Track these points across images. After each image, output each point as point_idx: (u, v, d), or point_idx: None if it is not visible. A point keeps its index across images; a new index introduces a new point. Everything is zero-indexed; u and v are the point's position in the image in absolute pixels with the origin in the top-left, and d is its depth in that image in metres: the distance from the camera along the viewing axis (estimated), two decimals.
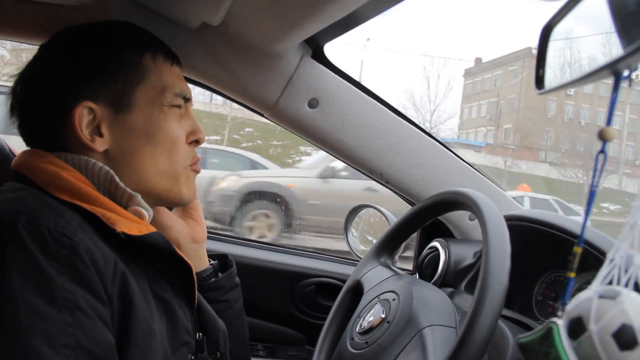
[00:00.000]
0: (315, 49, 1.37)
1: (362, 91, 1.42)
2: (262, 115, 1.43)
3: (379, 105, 1.44)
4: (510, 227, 1.32)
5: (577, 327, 0.54)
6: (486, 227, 0.93)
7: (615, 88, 0.53)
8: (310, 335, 1.20)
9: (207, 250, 1.18)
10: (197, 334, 1.00)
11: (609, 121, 0.54)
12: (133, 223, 0.87)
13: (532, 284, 1.33)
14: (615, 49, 0.54)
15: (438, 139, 1.52)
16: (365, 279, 1.20)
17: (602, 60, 0.54)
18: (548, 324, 0.57)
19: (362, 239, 1.84)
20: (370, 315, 1.08)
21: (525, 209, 1.53)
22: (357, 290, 1.21)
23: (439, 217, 1.63)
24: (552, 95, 38.68)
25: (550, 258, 1.29)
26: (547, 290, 1.32)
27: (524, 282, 1.34)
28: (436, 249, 1.51)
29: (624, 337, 0.52)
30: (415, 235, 1.78)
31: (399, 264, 1.81)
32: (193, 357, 0.96)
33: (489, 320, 0.82)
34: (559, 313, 0.57)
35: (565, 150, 34.04)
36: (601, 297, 0.54)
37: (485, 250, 0.89)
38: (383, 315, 1.05)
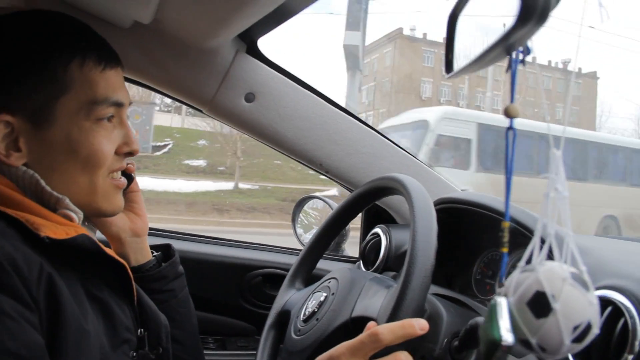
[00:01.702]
0: (249, 44, 1.39)
1: (299, 84, 1.45)
2: (200, 111, 1.45)
3: (316, 97, 1.47)
4: (446, 210, 1.38)
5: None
6: (413, 208, 0.95)
7: (510, 66, 0.55)
8: (260, 325, 1.22)
9: (152, 245, 1.18)
10: (139, 331, 0.99)
11: (512, 98, 0.56)
12: (60, 226, 0.85)
13: (472, 264, 1.38)
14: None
15: (376, 128, 1.56)
16: (288, 305, 1.18)
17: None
18: (491, 303, 0.58)
19: (308, 229, 1.88)
20: (311, 302, 1.09)
21: (461, 192, 1.58)
22: (281, 321, 1.18)
23: (381, 204, 1.68)
24: (427, 76, 38.45)
25: (486, 238, 1.34)
26: (485, 269, 1.37)
27: (463, 263, 1.40)
28: (378, 235, 1.56)
29: (537, 305, 0.52)
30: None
31: (346, 252, 1.87)
32: (135, 354, 0.96)
33: (416, 295, 0.84)
34: (497, 290, 0.57)
35: None
36: (523, 271, 0.55)
37: (412, 228, 0.91)
38: (325, 294, 1.07)
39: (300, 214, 1.95)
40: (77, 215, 0.92)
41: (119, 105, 0.95)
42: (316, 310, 1.06)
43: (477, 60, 0.61)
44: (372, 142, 1.55)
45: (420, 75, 39.13)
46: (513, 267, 0.57)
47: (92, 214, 0.99)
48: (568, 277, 0.52)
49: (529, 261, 0.55)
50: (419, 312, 0.85)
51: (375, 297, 0.97)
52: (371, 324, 0.83)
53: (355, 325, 0.95)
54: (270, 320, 1.19)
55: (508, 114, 0.55)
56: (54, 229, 0.83)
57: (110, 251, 0.93)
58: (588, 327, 0.52)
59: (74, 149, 0.90)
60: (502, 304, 0.55)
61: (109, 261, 0.93)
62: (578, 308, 0.51)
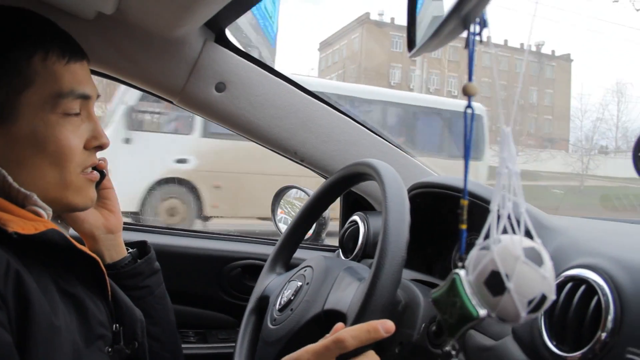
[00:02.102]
0: (217, 33, 1.37)
1: (270, 72, 1.44)
2: (171, 102, 1.43)
3: (287, 85, 1.46)
4: (422, 195, 1.37)
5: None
6: (385, 192, 0.94)
7: (467, 44, 0.55)
8: (240, 317, 1.21)
9: (128, 242, 1.17)
10: (114, 326, 0.98)
11: (470, 77, 0.56)
12: (29, 222, 0.84)
13: (450, 249, 1.38)
14: None
15: (349, 114, 1.55)
16: (267, 291, 1.19)
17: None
18: (451, 275, 0.61)
19: (287, 219, 1.87)
20: (287, 291, 1.09)
21: (438, 176, 1.57)
22: (261, 306, 1.19)
23: (358, 192, 1.67)
24: (396, 61, 38.18)
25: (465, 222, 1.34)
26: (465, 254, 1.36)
27: (442, 248, 1.39)
28: (356, 223, 1.55)
29: (493, 284, 0.55)
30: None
31: (326, 241, 1.86)
32: (110, 349, 0.95)
33: (385, 292, 0.84)
34: (459, 264, 0.61)
35: None
36: (482, 248, 0.57)
37: (384, 219, 0.90)
38: (300, 283, 1.07)
39: (279, 204, 1.93)
40: (45, 212, 0.90)
41: (85, 97, 0.94)
42: (292, 299, 1.05)
43: (435, 35, 0.61)
44: (346, 129, 1.54)
45: (389, 61, 38.81)
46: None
47: (63, 209, 0.98)
48: (521, 256, 0.54)
49: (487, 237, 0.57)
50: (388, 309, 0.85)
51: (347, 290, 0.97)
52: (338, 326, 0.83)
53: (328, 317, 0.96)
54: (250, 305, 1.20)
55: (466, 92, 0.55)
56: (22, 224, 0.82)
57: (81, 246, 0.92)
58: (543, 299, 0.55)
59: (41, 144, 0.89)
60: (464, 279, 0.59)
61: (81, 256, 0.92)
62: (531, 284, 0.54)
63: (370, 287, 0.83)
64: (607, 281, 0.82)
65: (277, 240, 1.29)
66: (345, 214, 1.76)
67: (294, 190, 1.95)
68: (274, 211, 1.93)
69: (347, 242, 1.56)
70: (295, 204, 1.96)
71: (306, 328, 0.98)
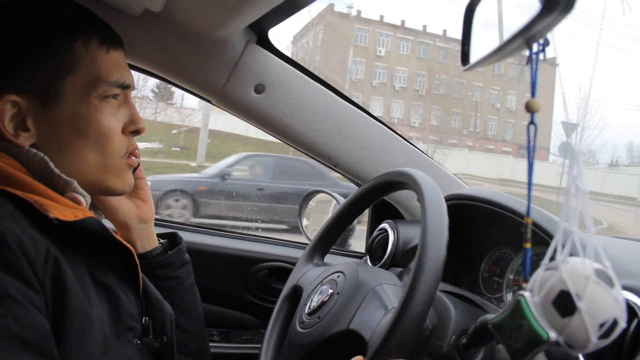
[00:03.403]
0: (260, 34, 1.38)
1: (309, 76, 1.44)
2: (209, 101, 1.44)
3: (326, 90, 1.46)
4: (455, 206, 1.37)
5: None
6: (424, 203, 0.94)
7: (530, 59, 0.54)
8: (264, 319, 1.22)
9: (158, 234, 1.18)
10: (143, 319, 0.99)
11: (532, 93, 0.55)
12: (68, 209, 0.85)
13: (479, 262, 1.37)
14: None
15: (384, 121, 1.55)
16: (302, 282, 1.20)
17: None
18: (516, 297, 0.58)
19: (314, 224, 1.87)
20: (317, 296, 1.09)
21: (470, 188, 1.57)
22: (295, 295, 1.21)
23: (389, 200, 1.67)
24: (360, 57, 35.99)
25: (495, 235, 1.33)
26: (493, 267, 1.36)
27: (471, 260, 1.38)
28: (385, 231, 1.55)
29: (562, 304, 0.53)
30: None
31: (352, 247, 1.86)
32: (139, 342, 0.96)
33: (426, 293, 0.83)
34: (523, 285, 0.58)
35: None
36: (547, 269, 0.55)
37: (423, 225, 0.90)
38: (331, 291, 1.07)
39: (307, 208, 1.94)
40: (84, 199, 0.92)
41: (123, 84, 0.97)
42: (321, 305, 1.06)
43: (495, 52, 0.61)
44: (381, 137, 1.54)
45: (373, 61, 37.29)
46: (522, 265, 0.57)
47: (102, 193, 1.00)
48: (592, 275, 0.52)
49: (552, 258, 0.55)
50: (409, 347, 0.84)
51: (374, 315, 0.97)
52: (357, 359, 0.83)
53: (351, 337, 0.96)
54: (285, 291, 1.23)
55: (529, 108, 0.55)
56: (62, 210, 0.84)
57: (117, 236, 0.93)
58: (614, 323, 0.52)
59: (82, 128, 0.91)
60: (530, 301, 0.56)
61: (116, 246, 0.93)
62: (603, 306, 0.52)
63: (393, 325, 0.83)
64: None
65: (305, 244, 1.30)
66: (374, 221, 1.75)
67: (321, 195, 1.95)
68: (300, 214, 1.93)
69: (376, 250, 1.55)
70: (316, 206, 1.96)
71: (329, 341, 0.99)
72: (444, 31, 40.11)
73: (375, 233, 1.59)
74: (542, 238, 1.04)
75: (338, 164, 1.53)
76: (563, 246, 0.52)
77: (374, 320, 0.95)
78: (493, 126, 40.35)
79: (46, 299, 0.77)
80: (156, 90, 25.82)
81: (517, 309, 0.58)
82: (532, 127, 0.55)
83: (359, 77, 37.45)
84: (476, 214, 1.32)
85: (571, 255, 0.53)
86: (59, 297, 0.78)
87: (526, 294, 0.56)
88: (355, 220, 1.57)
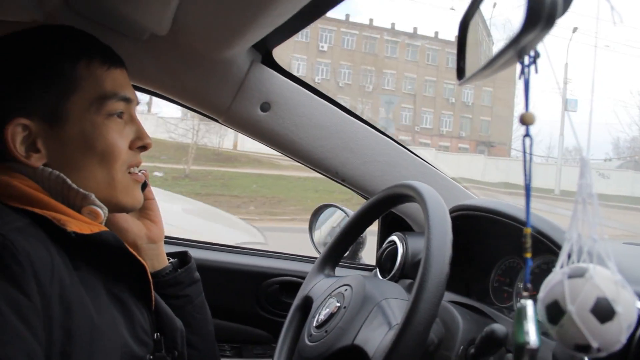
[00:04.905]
0: (264, 54, 1.40)
1: (314, 93, 1.46)
2: (216, 121, 1.46)
3: (331, 106, 1.48)
4: (463, 217, 1.37)
5: (555, 311, 0.55)
6: (428, 219, 0.95)
7: (522, 72, 0.55)
8: (276, 333, 1.22)
9: (169, 253, 1.20)
10: (155, 334, 1.01)
11: (526, 106, 0.56)
12: (85, 223, 0.88)
13: (489, 272, 1.37)
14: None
15: (390, 135, 1.56)
16: (312, 293, 1.22)
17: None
18: (517, 307, 0.59)
19: (325, 238, 1.88)
20: (325, 309, 1.10)
21: (478, 199, 1.57)
22: (306, 306, 1.23)
23: (397, 212, 1.67)
24: (326, 58, 34.23)
25: (504, 245, 1.33)
26: (502, 277, 1.36)
27: (481, 270, 1.39)
28: (395, 243, 1.56)
29: (601, 311, 0.54)
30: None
31: (363, 260, 1.86)
32: (151, 357, 0.98)
33: (427, 311, 0.85)
34: (524, 294, 0.59)
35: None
36: (570, 277, 0.55)
37: (426, 242, 0.92)
38: (338, 304, 1.08)
39: (317, 222, 1.95)
40: (102, 211, 0.95)
41: (127, 100, 1.00)
42: (328, 319, 1.08)
43: (488, 65, 0.62)
44: (388, 150, 1.55)
45: (315, 57, 35.25)
46: (531, 273, 0.58)
47: (113, 209, 1.02)
48: (620, 280, 0.54)
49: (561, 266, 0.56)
50: None
51: (377, 331, 0.99)
52: None
53: (356, 352, 0.98)
54: (296, 302, 1.25)
55: (524, 121, 0.55)
56: (79, 225, 0.86)
57: (132, 249, 0.96)
58: (638, 324, 0.55)
59: (90, 144, 0.95)
60: (529, 308, 0.58)
61: (131, 261, 0.96)
62: (632, 308, 0.54)
63: (395, 343, 0.85)
64: None
65: (315, 258, 1.31)
66: (383, 234, 1.76)
67: (331, 209, 1.96)
68: (311, 229, 1.94)
69: (385, 262, 1.56)
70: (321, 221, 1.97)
71: (335, 356, 1.01)
72: (392, 24, 37.46)
73: (384, 245, 1.60)
74: (548, 246, 1.05)
75: (345, 179, 1.54)
76: (584, 253, 0.54)
77: (377, 337, 0.96)
78: (448, 122, 37.80)
79: (51, 312, 0.78)
80: None
81: (520, 319, 0.58)
82: (527, 140, 0.56)
83: (301, 73, 34.65)
84: (484, 224, 1.32)
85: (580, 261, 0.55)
86: (66, 310, 0.80)
87: (524, 302, 0.58)
88: (366, 234, 1.58)
